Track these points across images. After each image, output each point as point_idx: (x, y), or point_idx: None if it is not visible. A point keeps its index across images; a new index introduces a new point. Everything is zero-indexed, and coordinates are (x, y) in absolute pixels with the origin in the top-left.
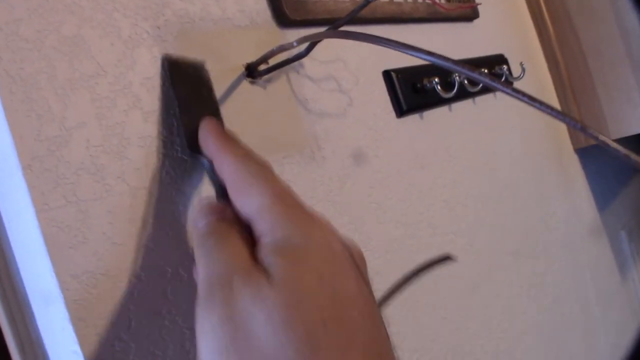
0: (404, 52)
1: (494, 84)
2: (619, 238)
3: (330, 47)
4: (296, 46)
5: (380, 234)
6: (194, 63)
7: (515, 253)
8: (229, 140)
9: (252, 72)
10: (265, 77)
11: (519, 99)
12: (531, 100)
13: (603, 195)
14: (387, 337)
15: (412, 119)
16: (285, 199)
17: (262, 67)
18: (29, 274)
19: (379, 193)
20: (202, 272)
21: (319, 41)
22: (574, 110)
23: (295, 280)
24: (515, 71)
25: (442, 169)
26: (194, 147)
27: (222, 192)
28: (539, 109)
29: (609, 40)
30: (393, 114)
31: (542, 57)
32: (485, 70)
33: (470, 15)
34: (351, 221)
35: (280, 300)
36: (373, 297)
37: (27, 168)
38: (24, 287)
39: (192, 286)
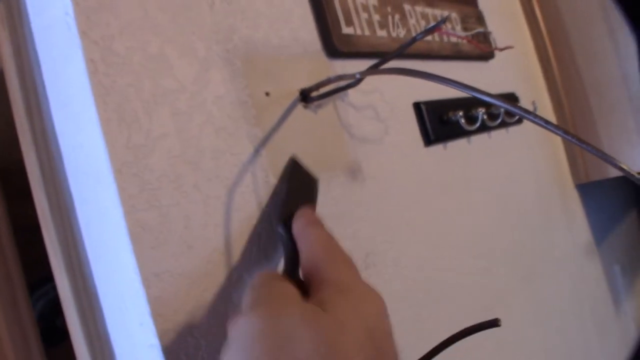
0: (457, 89)
1: (547, 126)
2: (612, 272)
3: (370, 79)
4: (358, 78)
5: (411, 252)
6: (310, 173)
7: (524, 279)
8: (319, 223)
9: (305, 97)
10: (317, 102)
11: (560, 134)
12: (567, 134)
13: (600, 230)
14: None
15: (437, 149)
16: (351, 267)
17: (315, 93)
18: (105, 273)
19: (410, 214)
20: (249, 293)
21: (372, 74)
22: (576, 146)
23: (344, 314)
24: (532, 107)
25: (462, 197)
26: (283, 222)
27: (290, 266)
28: (572, 141)
29: (611, 83)
30: (422, 142)
31: (547, 97)
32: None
33: (487, 55)
34: (386, 240)
35: (329, 326)
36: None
37: (118, 172)
38: (95, 287)
39: None
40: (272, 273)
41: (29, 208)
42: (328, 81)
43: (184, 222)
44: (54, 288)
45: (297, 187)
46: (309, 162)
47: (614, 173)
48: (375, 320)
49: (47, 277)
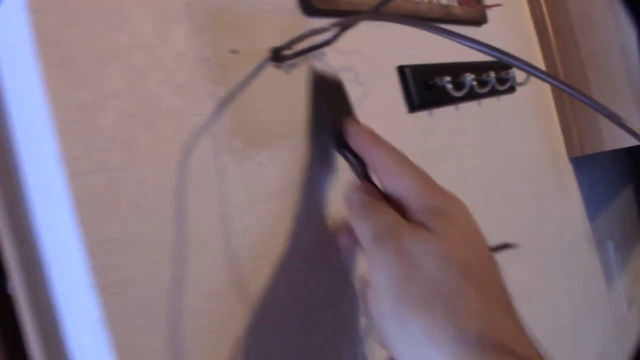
0: (446, 37)
1: (554, 82)
2: (605, 247)
3: (350, 39)
4: (328, 29)
5: None
6: (334, 77)
7: (511, 252)
8: (378, 137)
9: (277, 56)
10: (289, 62)
11: (569, 92)
12: (577, 92)
13: (593, 205)
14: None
15: (422, 115)
16: (428, 181)
17: (287, 52)
18: (52, 241)
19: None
20: (367, 228)
21: (348, 28)
22: (571, 118)
23: (449, 233)
24: (520, 77)
25: (447, 166)
26: (340, 142)
27: (363, 174)
28: (580, 99)
29: (608, 52)
30: (405, 108)
31: (542, 65)
32: (493, 74)
33: (480, 19)
34: None
35: (441, 246)
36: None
37: (61, 132)
38: (42, 255)
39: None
40: (369, 198)
41: None
42: (301, 37)
43: (135, 186)
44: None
45: (332, 99)
46: (276, 126)
47: (611, 145)
48: (468, 226)
49: None
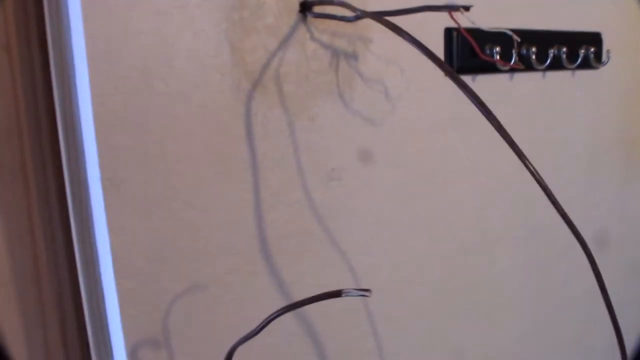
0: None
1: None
2: None
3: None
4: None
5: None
6: None
7: (525, 234)
8: None
9: (305, 8)
10: (316, 19)
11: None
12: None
13: None
14: None
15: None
16: None
17: (317, 9)
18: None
19: (402, 139)
20: None
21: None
22: None
23: None
24: (605, 56)
25: (479, 135)
26: None
27: None
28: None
29: None
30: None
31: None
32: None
33: None
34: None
35: None
36: None
37: (92, 61)
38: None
39: None
40: None
41: None
42: (330, 1)
43: (144, 109)
44: None
45: None
46: (294, 79)
47: None
48: None
49: None
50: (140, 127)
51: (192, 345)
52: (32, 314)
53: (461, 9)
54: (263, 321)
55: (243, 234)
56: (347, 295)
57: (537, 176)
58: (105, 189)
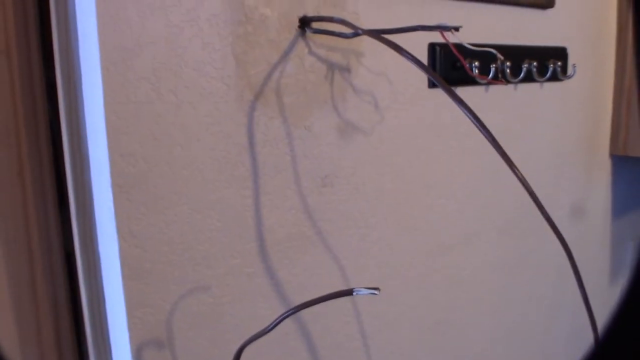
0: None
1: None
2: (624, 247)
3: (385, 13)
4: (355, 33)
5: (393, 186)
6: None
7: (499, 230)
8: None
9: (304, 24)
10: (314, 35)
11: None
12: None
13: (623, 203)
14: None
15: (442, 92)
16: None
17: (315, 25)
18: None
19: (389, 147)
20: None
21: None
22: (623, 117)
23: None
24: (571, 70)
25: (457, 141)
26: None
27: None
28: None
29: None
30: (426, 83)
31: (612, 63)
32: (535, 64)
33: (545, 3)
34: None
35: None
36: None
37: (106, 70)
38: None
39: None
40: None
41: None
42: (331, 19)
43: (154, 118)
44: None
45: None
46: (293, 91)
47: None
48: None
49: None
50: (150, 136)
51: (195, 344)
52: (26, 318)
53: (452, 29)
54: (275, 320)
55: (243, 237)
56: (357, 294)
57: (525, 183)
58: (115, 195)
